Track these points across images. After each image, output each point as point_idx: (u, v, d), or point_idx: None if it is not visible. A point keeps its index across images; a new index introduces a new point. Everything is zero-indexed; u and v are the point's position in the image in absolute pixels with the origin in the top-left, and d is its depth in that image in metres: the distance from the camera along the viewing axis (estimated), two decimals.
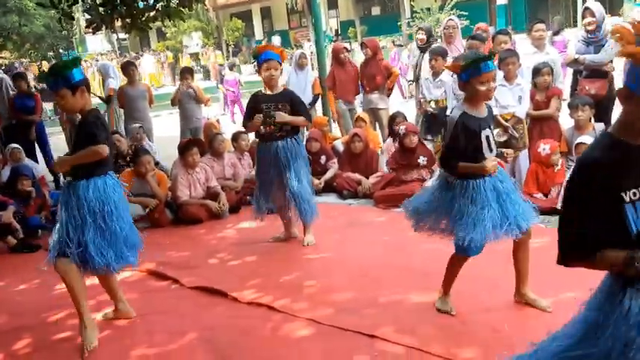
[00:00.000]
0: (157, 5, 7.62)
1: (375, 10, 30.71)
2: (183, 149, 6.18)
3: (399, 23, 25.02)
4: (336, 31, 30.43)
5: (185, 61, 26.05)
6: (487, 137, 3.13)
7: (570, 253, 1.69)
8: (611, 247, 1.62)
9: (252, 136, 6.04)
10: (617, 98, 5.67)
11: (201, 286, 4.22)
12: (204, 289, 4.18)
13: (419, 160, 5.94)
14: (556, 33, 8.61)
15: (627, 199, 1.62)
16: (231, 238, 5.45)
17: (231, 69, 14.77)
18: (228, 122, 12.30)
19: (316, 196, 6.14)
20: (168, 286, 4.39)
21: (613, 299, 1.67)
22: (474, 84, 3.03)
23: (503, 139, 5.53)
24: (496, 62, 6.53)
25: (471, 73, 3.01)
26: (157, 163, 6.73)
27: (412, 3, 24.17)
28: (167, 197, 6.11)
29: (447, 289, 3.46)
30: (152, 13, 7.67)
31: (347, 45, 12.98)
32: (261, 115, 4.59)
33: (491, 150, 3.16)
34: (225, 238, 5.44)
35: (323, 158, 6.75)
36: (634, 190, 1.62)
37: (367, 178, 6.28)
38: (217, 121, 8.21)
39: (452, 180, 3.18)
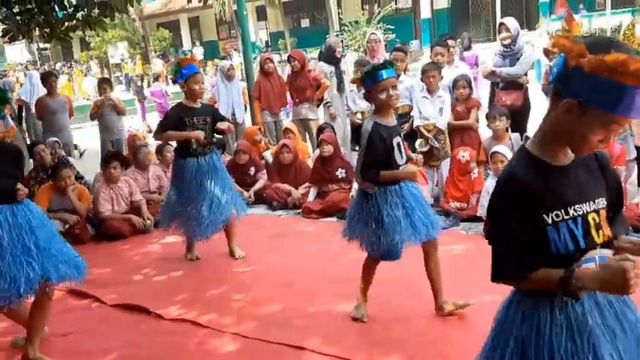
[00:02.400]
0: (78, 14, 7.37)
1: (305, 23, 30.98)
2: (104, 162, 5.99)
3: (327, 36, 25.31)
4: (266, 42, 30.48)
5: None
6: (398, 144, 3.24)
7: (501, 271, 1.61)
8: (542, 266, 1.55)
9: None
10: (531, 109, 5.96)
11: (124, 304, 4.08)
12: (128, 307, 4.05)
13: (337, 173, 5.99)
14: (466, 48, 9.01)
15: (549, 220, 1.55)
16: (156, 253, 5.31)
17: (156, 79, 14.49)
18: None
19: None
20: (90, 304, 4.22)
21: (537, 312, 1.60)
22: (375, 93, 3.17)
23: (425, 149, 5.70)
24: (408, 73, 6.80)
25: (369, 83, 3.16)
26: (80, 178, 6.48)
27: (340, 16, 24.56)
28: (89, 212, 5.88)
29: (364, 294, 3.53)
30: (72, 23, 7.40)
31: (276, 56, 13.01)
32: (202, 131, 4.48)
33: (402, 157, 3.27)
34: (149, 254, 5.29)
35: (252, 170, 6.71)
36: (556, 212, 1.55)
37: (297, 188, 6.30)
38: (148, 126, 8.02)
39: (371, 190, 3.24)
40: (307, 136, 7.69)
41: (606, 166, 1.66)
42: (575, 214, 1.57)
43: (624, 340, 1.59)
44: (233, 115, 7.83)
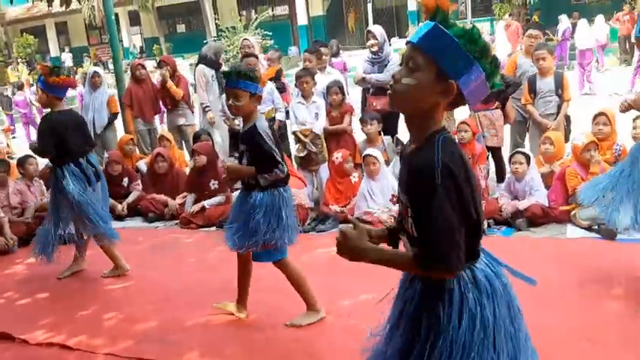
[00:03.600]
0: None
1: (180, 28, 30.26)
2: None
3: (205, 41, 24.92)
4: (141, 48, 29.43)
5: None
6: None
7: (445, 259, 1.50)
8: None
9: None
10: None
11: None
12: None
13: (210, 184, 5.88)
14: (334, 55, 9.29)
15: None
16: (20, 274, 4.92)
17: (20, 88, 13.49)
18: (23, 145, 11.15)
19: (119, 221, 5.88)
20: None
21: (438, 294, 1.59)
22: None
23: (302, 154, 5.78)
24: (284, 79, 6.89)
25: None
26: None
27: (217, 22, 24.28)
28: None
29: (240, 297, 3.58)
30: None
31: (151, 62, 12.60)
32: None
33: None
34: (13, 275, 4.90)
35: (125, 181, 6.43)
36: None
37: (174, 198, 6.12)
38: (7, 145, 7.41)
39: (254, 193, 3.26)
40: (184, 144, 7.52)
41: None
42: None
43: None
44: (93, 124, 7.38)
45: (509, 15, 16.92)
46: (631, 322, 3.12)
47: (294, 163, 5.92)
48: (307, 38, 24.02)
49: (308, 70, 5.87)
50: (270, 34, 21.53)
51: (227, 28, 22.96)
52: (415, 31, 1.59)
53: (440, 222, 1.48)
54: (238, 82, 3.19)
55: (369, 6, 21.40)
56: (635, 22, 13.72)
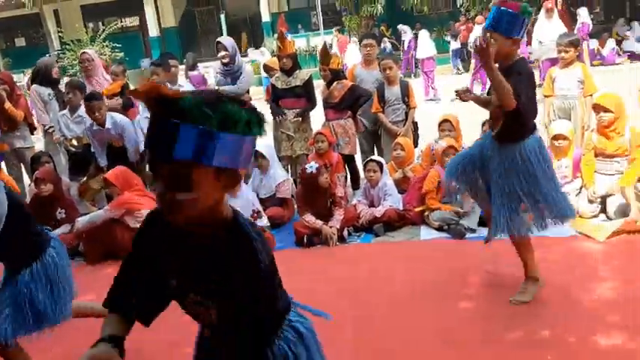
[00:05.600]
0: None
1: (20, 42, 27.90)
2: None
3: (48, 55, 23.19)
4: None
5: None
6: None
7: None
8: None
9: None
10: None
11: None
12: None
13: (57, 213, 5.30)
14: (191, 68, 9.07)
15: None
16: None
17: None
18: None
19: None
20: None
21: None
22: None
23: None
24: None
25: None
26: None
27: (60, 34, 22.76)
28: None
29: None
30: None
31: None
32: None
33: None
34: None
35: None
36: None
37: None
38: None
39: None
40: (22, 167, 6.82)
41: None
42: None
43: None
44: None
45: (337, 30, 17.88)
46: (485, 322, 3.24)
47: None
48: (160, 50, 23.27)
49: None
50: (120, 46, 20.58)
51: (72, 40, 21.60)
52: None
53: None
54: None
55: (222, 17, 21.16)
56: (471, 32, 15.00)
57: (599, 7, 19.76)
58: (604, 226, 4.31)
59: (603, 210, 4.62)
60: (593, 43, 14.47)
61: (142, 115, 5.62)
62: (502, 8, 3.14)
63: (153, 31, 23.62)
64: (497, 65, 3.07)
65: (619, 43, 14.96)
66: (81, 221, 4.97)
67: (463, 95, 3.42)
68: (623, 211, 4.39)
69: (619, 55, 14.71)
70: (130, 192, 4.96)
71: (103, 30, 21.49)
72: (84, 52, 6.04)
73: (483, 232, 4.12)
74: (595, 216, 4.61)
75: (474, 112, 4.44)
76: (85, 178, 5.59)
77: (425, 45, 13.51)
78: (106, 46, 20.81)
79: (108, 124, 5.33)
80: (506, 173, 3.23)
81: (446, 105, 10.30)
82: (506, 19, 3.10)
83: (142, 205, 4.90)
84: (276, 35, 20.09)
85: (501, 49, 3.12)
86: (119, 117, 5.45)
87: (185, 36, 24.11)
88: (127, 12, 24.91)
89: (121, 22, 24.08)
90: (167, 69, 5.87)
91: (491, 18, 3.19)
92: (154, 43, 23.51)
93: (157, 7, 23.83)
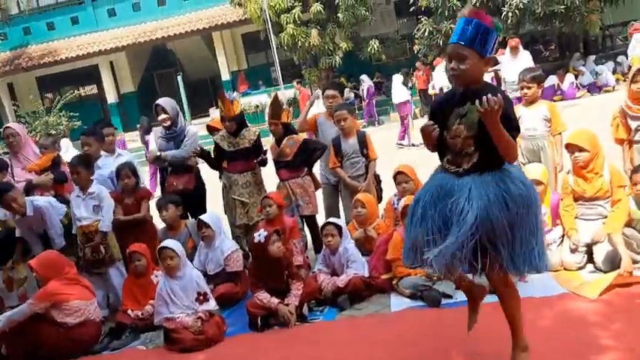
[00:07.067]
0: None
1: None
2: None
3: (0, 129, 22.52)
4: None
5: None
6: None
7: None
8: None
9: None
10: (206, 190, 5.62)
11: None
12: None
13: None
14: (146, 132, 8.63)
15: None
16: None
17: None
18: None
19: None
20: None
21: None
22: None
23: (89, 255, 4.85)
24: None
25: None
26: None
27: (15, 107, 22.23)
28: None
29: None
30: None
31: None
32: None
33: None
34: None
35: None
36: None
37: None
38: None
39: None
40: None
41: None
42: None
43: None
44: None
45: (297, 82, 17.76)
46: None
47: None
48: (120, 116, 22.85)
49: (81, 157, 5.00)
50: (78, 114, 20.08)
51: (27, 113, 21.06)
52: None
53: None
54: None
55: (179, 79, 20.84)
56: (429, 76, 14.86)
57: (554, 43, 20.00)
58: (594, 281, 3.82)
59: (590, 260, 4.15)
60: (552, 79, 14.41)
61: (74, 193, 4.96)
62: (476, 20, 2.57)
63: (111, 98, 23.24)
64: (462, 90, 2.66)
65: (576, 77, 14.98)
66: (1, 319, 4.30)
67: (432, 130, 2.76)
68: (612, 260, 3.92)
69: (578, 88, 14.69)
70: (58, 280, 4.33)
71: (59, 100, 20.99)
72: (7, 127, 5.42)
73: (460, 296, 3.60)
74: (581, 267, 4.13)
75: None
76: (10, 264, 4.95)
77: (398, 90, 13.14)
78: (63, 115, 20.29)
79: (29, 212, 4.73)
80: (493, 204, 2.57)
81: (419, 151, 9.79)
82: (481, 35, 2.55)
83: (72, 295, 4.28)
84: (235, 93, 19.94)
85: (475, 69, 2.59)
86: (41, 201, 4.84)
87: (144, 100, 23.71)
88: (85, 80, 24.53)
89: (79, 90, 23.60)
90: (99, 139, 5.33)
91: (464, 31, 2.59)
92: (113, 110, 23.12)
93: (114, 74, 23.51)
